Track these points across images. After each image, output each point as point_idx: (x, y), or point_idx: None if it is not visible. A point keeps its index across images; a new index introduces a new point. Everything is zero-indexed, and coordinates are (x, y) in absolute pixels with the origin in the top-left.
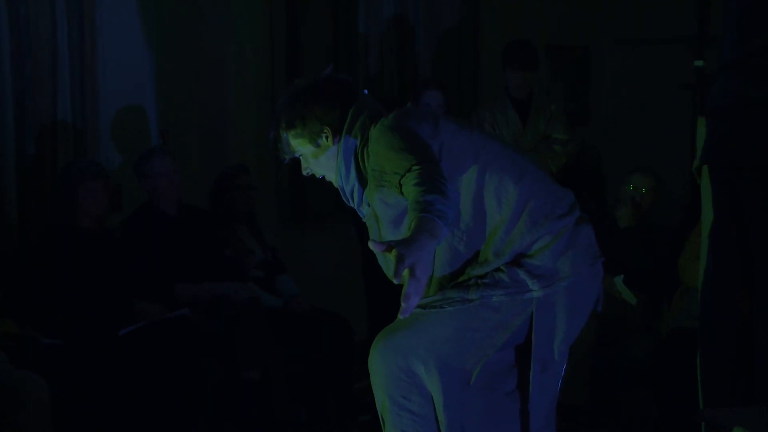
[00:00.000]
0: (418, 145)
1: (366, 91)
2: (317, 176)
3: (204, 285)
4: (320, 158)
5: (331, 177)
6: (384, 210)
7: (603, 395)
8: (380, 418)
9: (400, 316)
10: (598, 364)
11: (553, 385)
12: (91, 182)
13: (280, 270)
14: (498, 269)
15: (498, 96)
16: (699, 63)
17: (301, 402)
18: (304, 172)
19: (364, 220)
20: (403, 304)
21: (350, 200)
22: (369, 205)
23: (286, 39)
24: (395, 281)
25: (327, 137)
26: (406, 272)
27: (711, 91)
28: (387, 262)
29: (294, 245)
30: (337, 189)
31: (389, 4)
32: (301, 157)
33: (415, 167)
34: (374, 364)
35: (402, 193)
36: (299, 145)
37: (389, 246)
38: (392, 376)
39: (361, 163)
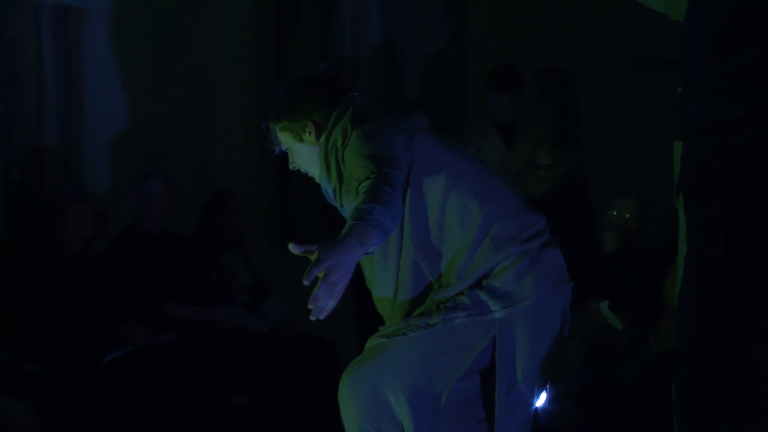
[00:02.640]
0: (385, 156)
1: (353, 94)
2: (302, 171)
3: (192, 309)
4: (304, 153)
5: (315, 173)
6: None
7: (591, 417)
8: None
9: (311, 318)
10: (586, 386)
11: (522, 406)
12: (77, 206)
13: (268, 294)
14: (460, 292)
15: (483, 120)
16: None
17: (288, 427)
18: (291, 166)
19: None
20: (310, 306)
21: (333, 200)
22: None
23: (274, 62)
24: (305, 282)
25: (310, 133)
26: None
27: (685, 114)
28: (373, 282)
29: (282, 269)
30: (324, 210)
31: (377, 28)
32: (287, 151)
33: (371, 175)
34: (344, 396)
35: None
36: (285, 138)
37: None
38: (362, 408)
39: (341, 165)
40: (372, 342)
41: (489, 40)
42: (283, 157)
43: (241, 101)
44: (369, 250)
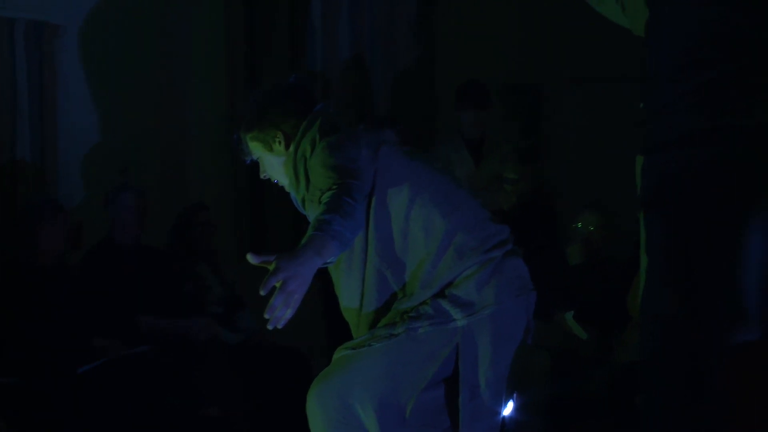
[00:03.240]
0: (348, 167)
1: (322, 105)
2: (272, 180)
3: (165, 320)
4: (274, 163)
5: (284, 183)
6: None
7: (557, 426)
8: None
9: (269, 327)
10: (553, 396)
11: (486, 413)
12: (51, 220)
13: (240, 306)
14: (423, 303)
15: (452, 135)
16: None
17: None
18: (262, 176)
19: None
20: (266, 315)
21: (302, 209)
22: None
23: (246, 76)
24: (261, 292)
25: (280, 142)
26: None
27: (649, 129)
28: (339, 291)
29: (253, 281)
30: (295, 222)
31: (347, 44)
32: (258, 160)
33: (334, 186)
34: (312, 408)
35: None
36: (255, 148)
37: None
38: (330, 419)
39: (310, 174)
40: (338, 354)
41: (457, 57)
42: (255, 169)
43: (213, 116)
44: (328, 261)
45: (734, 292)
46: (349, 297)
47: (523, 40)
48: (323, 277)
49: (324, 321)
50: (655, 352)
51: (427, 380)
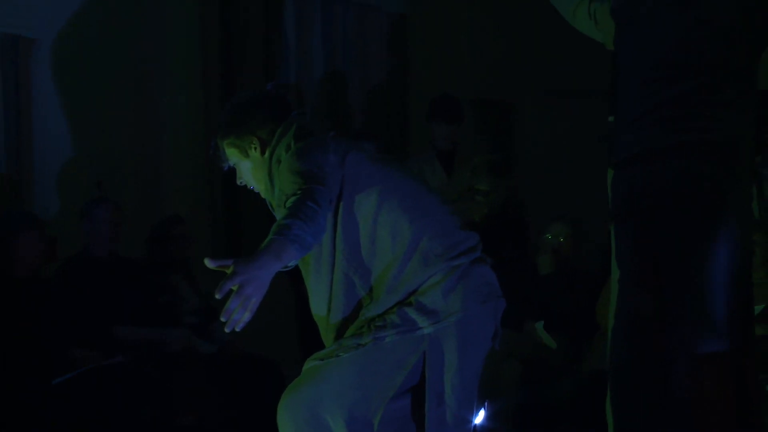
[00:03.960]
0: (314, 172)
1: (294, 113)
2: (249, 186)
3: (141, 331)
4: (250, 169)
5: (260, 188)
6: None
7: None
8: None
9: (226, 329)
10: (523, 404)
11: (455, 421)
12: (27, 233)
13: (215, 316)
14: (389, 311)
15: (425, 147)
16: (612, 118)
17: None
18: (238, 182)
19: None
20: (222, 319)
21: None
22: None
23: (220, 90)
24: (217, 295)
25: (255, 148)
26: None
27: (618, 143)
28: (309, 296)
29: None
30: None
31: (320, 58)
32: (235, 166)
33: (298, 191)
34: (282, 420)
35: None
36: (232, 154)
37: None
38: (301, 430)
39: (279, 180)
40: (308, 365)
41: (430, 71)
42: (230, 180)
43: (188, 130)
44: (289, 265)
45: (702, 303)
46: (317, 302)
47: (494, 55)
48: (297, 286)
49: (297, 330)
50: (624, 361)
51: (396, 389)
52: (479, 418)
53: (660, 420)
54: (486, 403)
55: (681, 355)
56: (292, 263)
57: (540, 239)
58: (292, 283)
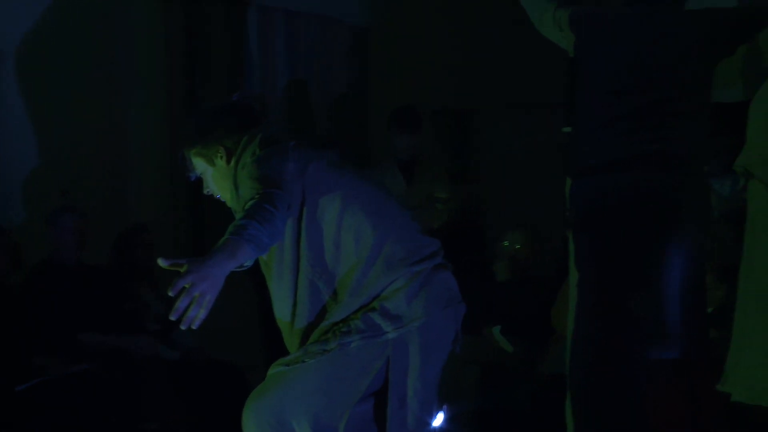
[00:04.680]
0: (272, 177)
1: (264, 122)
2: (215, 195)
3: (106, 337)
4: (216, 177)
5: (226, 197)
6: None
7: None
8: None
9: (182, 327)
10: (482, 407)
11: (416, 423)
12: None
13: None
14: (353, 317)
15: (386, 157)
16: (567, 129)
17: None
18: (205, 191)
19: None
20: (171, 317)
21: None
22: None
23: (185, 101)
24: (170, 293)
25: (222, 157)
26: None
27: (576, 154)
28: (272, 300)
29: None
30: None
31: (285, 68)
32: (202, 176)
33: (256, 195)
34: (247, 424)
35: None
36: (199, 163)
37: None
38: None
39: (240, 187)
40: (273, 370)
41: (390, 83)
42: (194, 189)
43: (153, 140)
44: (245, 264)
45: (658, 308)
46: (281, 307)
47: (453, 67)
48: (260, 292)
49: (260, 336)
50: (583, 364)
51: (361, 393)
52: (438, 421)
53: (618, 422)
54: (445, 406)
55: (637, 359)
56: (248, 263)
57: (497, 246)
58: (255, 289)
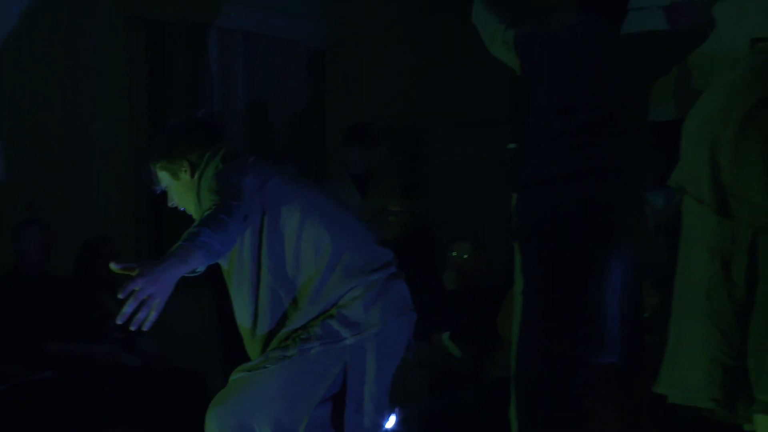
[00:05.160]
0: (229, 189)
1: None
2: (179, 208)
3: (68, 344)
4: (180, 191)
5: (190, 209)
6: None
7: None
8: None
9: (132, 328)
10: (432, 410)
11: (370, 426)
12: None
13: (141, 331)
14: (313, 324)
15: (341, 171)
16: (512, 145)
17: None
18: (170, 204)
19: None
20: (118, 321)
21: None
22: None
23: (147, 117)
24: (119, 295)
25: (186, 171)
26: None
27: (522, 168)
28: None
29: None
30: None
31: (244, 87)
32: (167, 189)
33: (213, 206)
34: (210, 429)
35: None
36: (163, 177)
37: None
38: None
39: (201, 201)
40: (234, 376)
41: (345, 101)
42: (157, 201)
43: (116, 154)
44: (197, 270)
45: (598, 315)
46: (241, 315)
47: (405, 86)
48: (220, 300)
49: (220, 343)
50: (528, 368)
51: (320, 398)
52: (390, 423)
53: (559, 423)
54: (397, 409)
55: (578, 363)
56: (200, 269)
57: (446, 256)
58: (215, 297)
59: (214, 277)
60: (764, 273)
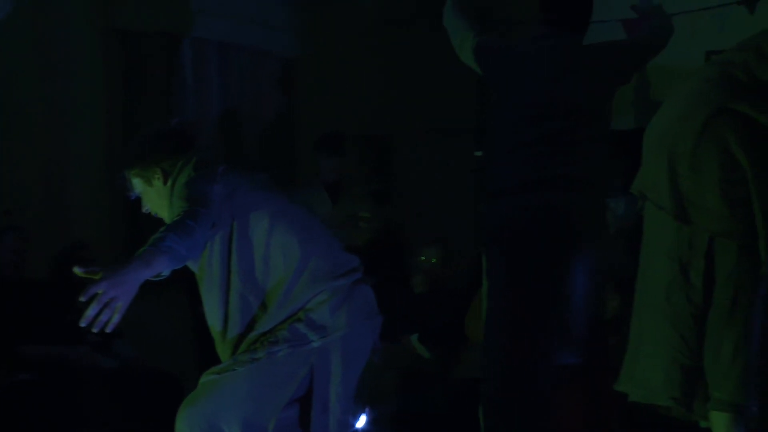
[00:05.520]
0: (198, 197)
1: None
2: (153, 213)
3: (46, 347)
4: (154, 197)
5: (163, 215)
6: None
7: None
8: None
9: (94, 330)
10: (402, 409)
11: (337, 425)
12: None
13: (117, 334)
14: (281, 327)
15: (312, 179)
16: (479, 153)
17: None
18: (144, 210)
19: None
20: (81, 324)
21: None
22: None
23: (122, 125)
24: (81, 299)
25: (159, 178)
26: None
27: (489, 176)
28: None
29: (129, 311)
30: None
31: (217, 96)
32: (141, 195)
33: (181, 212)
34: (180, 430)
35: None
36: (137, 184)
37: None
38: None
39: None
40: (204, 378)
41: (316, 110)
42: (133, 208)
43: (92, 163)
44: (162, 274)
45: (561, 318)
46: (213, 318)
47: (375, 96)
48: (194, 306)
49: (194, 346)
50: (495, 368)
51: (287, 399)
52: (361, 422)
53: (526, 422)
54: (367, 409)
55: (544, 364)
56: (164, 273)
57: (415, 261)
58: (189, 302)
59: (189, 281)
60: (720, 276)
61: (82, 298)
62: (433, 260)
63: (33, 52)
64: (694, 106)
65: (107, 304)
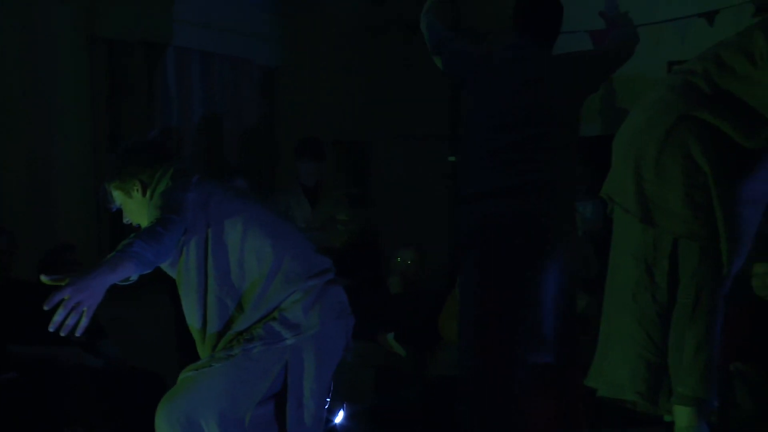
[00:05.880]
0: (171, 205)
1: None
2: (134, 224)
3: (32, 347)
4: (133, 208)
5: (144, 225)
6: None
7: None
8: None
9: (62, 334)
10: (378, 406)
11: (311, 420)
12: None
13: (102, 334)
14: (256, 326)
15: (291, 183)
16: (452, 158)
17: None
18: (125, 221)
19: None
20: (50, 329)
21: None
22: None
23: (108, 132)
24: (45, 307)
25: (138, 190)
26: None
27: (463, 182)
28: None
29: (115, 312)
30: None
31: (200, 103)
32: (122, 206)
33: (154, 220)
34: (160, 426)
35: None
36: (118, 196)
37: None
38: None
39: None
40: (183, 375)
41: (295, 116)
42: (115, 217)
43: (78, 167)
44: (130, 278)
45: (533, 319)
46: (192, 319)
47: (352, 102)
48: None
49: (176, 345)
50: (468, 367)
51: (263, 395)
52: (339, 418)
53: (500, 418)
54: (345, 406)
55: (516, 362)
56: (133, 277)
57: (391, 262)
58: (172, 303)
59: (172, 284)
60: (684, 276)
61: (46, 307)
62: (409, 262)
63: (21, 60)
64: (658, 114)
65: (74, 308)
